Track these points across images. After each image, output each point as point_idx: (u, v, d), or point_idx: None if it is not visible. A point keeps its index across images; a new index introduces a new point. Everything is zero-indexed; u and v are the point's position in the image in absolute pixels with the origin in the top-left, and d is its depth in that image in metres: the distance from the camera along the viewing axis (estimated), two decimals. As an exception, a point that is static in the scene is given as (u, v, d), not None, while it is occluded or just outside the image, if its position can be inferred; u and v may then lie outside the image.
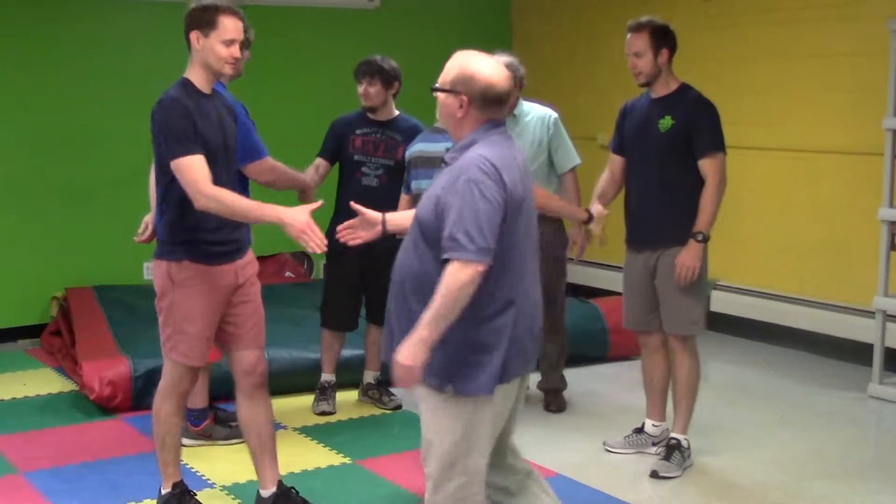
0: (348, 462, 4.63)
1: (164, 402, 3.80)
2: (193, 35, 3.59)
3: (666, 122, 4.39)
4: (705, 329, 4.54)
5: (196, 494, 3.96)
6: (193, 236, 3.63)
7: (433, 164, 4.31)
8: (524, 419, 5.10)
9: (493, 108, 2.89)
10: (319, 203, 3.59)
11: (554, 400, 5.44)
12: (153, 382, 5.17)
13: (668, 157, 4.40)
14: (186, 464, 4.34)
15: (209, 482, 4.36)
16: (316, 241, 3.34)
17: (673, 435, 4.56)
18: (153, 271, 3.78)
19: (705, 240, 4.34)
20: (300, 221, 3.35)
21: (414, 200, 4.39)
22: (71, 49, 6.89)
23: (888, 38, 5.53)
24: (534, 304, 2.96)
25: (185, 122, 3.50)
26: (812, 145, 6.37)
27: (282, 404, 5.02)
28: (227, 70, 3.66)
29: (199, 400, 4.70)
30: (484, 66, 2.88)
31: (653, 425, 4.72)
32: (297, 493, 3.95)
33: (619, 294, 4.89)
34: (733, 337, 6.78)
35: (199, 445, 4.71)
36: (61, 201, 6.90)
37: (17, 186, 6.77)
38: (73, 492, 4.25)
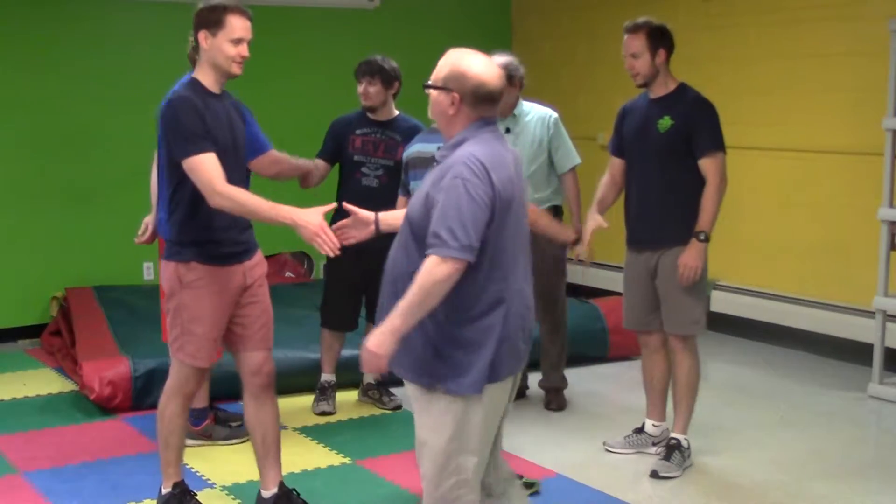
0: (348, 462, 4.63)
1: (169, 402, 3.80)
2: (201, 34, 3.58)
3: (665, 123, 4.39)
4: (706, 329, 4.54)
5: (196, 494, 3.96)
6: (202, 236, 3.63)
7: (430, 164, 4.31)
8: (524, 419, 5.13)
9: (484, 106, 2.89)
10: (333, 205, 3.57)
11: (554, 399, 5.45)
12: (153, 382, 5.21)
13: (668, 158, 4.40)
14: (186, 464, 4.33)
15: (209, 482, 4.36)
16: (330, 245, 3.33)
17: (673, 435, 4.56)
18: (161, 272, 3.77)
19: (707, 239, 4.34)
20: (314, 224, 3.33)
21: (412, 201, 4.38)
22: (71, 49, 6.89)
23: (888, 38, 5.53)
24: (525, 303, 2.96)
25: (195, 119, 3.50)
26: (812, 145, 6.37)
27: (282, 404, 4.97)
28: (236, 70, 3.63)
29: (199, 400, 4.69)
30: (476, 64, 2.88)
31: (653, 425, 4.72)
32: (298, 494, 3.95)
33: (619, 294, 4.89)
34: (733, 337, 6.78)
35: (199, 445, 4.72)
36: (61, 201, 6.90)
37: (17, 186, 6.78)
38: (73, 492, 4.25)
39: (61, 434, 4.96)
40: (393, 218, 3.27)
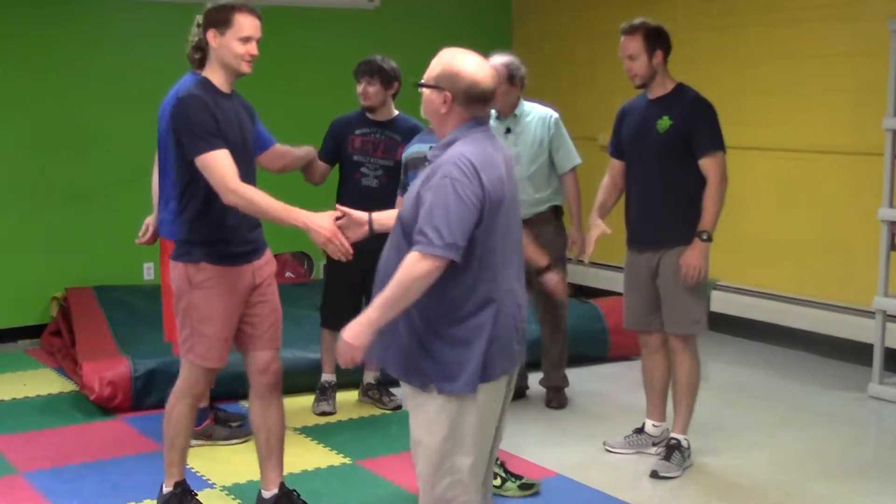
0: (348, 462, 4.63)
1: (177, 402, 3.79)
2: (210, 34, 3.58)
3: (664, 123, 4.39)
4: (707, 329, 4.54)
5: (197, 494, 3.96)
6: (213, 236, 3.62)
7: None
8: (524, 419, 5.14)
9: (476, 105, 2.89)
10: (339, 213, 3.56)
11: (555, 397, 5.46)
12: (153, 383, 5.22)
13: (668, 158, 4.40)
14: (186, 464, 4.33)
15: (209, 482, 4.36)
16: (342, 251, 3.35)
17: (673, 435, 4.56)
18: (169, 272, 3.75)
19: (710, 239, 4.34)
20: (327, 229, 3.34)
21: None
22: (71, 49, 6.89)
23: (888, 38, 5.53)
24: (517, 302, 2.95)
25: (207, 116, 3.49)
26: (812, 145, 6.37)
27: (282, 404, 5.02)
28: (245, 68, 3.61)
29: (200, 399, 4.69)
30: (469, 64, 2.88)
31: (653, 425, 4.72)
32: (299, 495, 3.94)
33: (619, 294, 4.89)
34: (733, 337, 6.78)
35: (199, 445, 4.71)
36: (61, 201, 6.90)
37: (17, 186, 6.78)
38: (73, 492, 4.25)
39: (61, 434, 4.96)
40: (387, 218, 3.28)
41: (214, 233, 3.62)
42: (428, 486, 2.92)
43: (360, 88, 5.08)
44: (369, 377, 5.43)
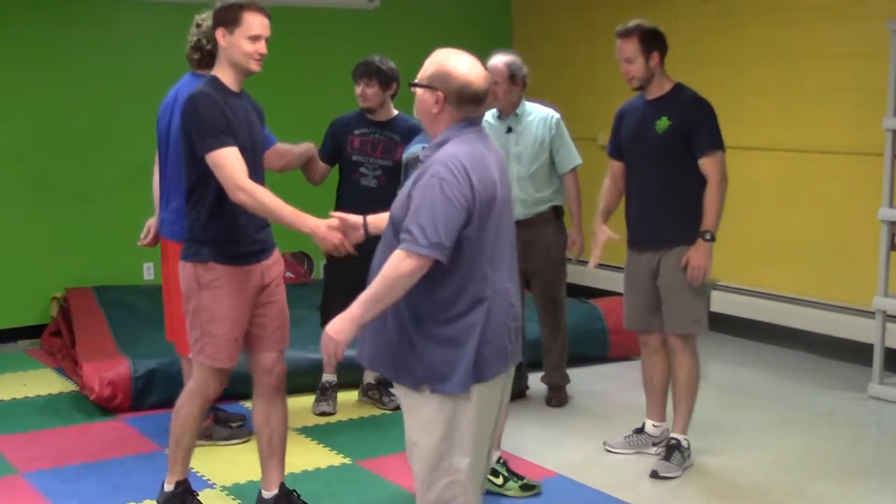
0: (348, 462, 4.63)
1: (188, 402, 3.78)
2: (219, 33, 3.58)
3: (663, 124, 4.39)
4: (708, 329, 4.54)
5: (198, 494, 3.95)
6: (223, 235, 3.61)
7: None
8: (524, 419, 5.14)
9: (468, 106, 2.89)
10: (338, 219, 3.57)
11: (555, 395, 5.47)
12: (153, 383, 5.22)
13: (667, 158, 4.40)
14: (190, 465, 4.33)
15: (209, 482, 4.36)
16: (347, 255, 3.44)
17: (673, 435, 4.56)
18: (179, 273, 3.74)
19: (713, 239, 4.34)
20: (335, 237, 3.41)
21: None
22: (71, 49, 6.89)
23: (888, 38, 5.53)
24: (510, 302, 2.95)
25: (217, 114, 3.49)
26: (812, 145, 6.37)
27: (282, 404, 5.02)
28: (254, 67, 3.61)
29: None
30: (461, 64, 2.88)
31: (653, 425, 4.72)
32: (299, 496, 3.94)
33: (619, 294, 4.89)
34: (733, 337, 6.78)
35: (199, 445, 4.68)
36: (61, 201, 6.90)
37: (17, 186, 6.78)
38: (73, 492, 4.25)
39: (61, 434, 4.96)
40: (381, 220, 3.29)
41: (223, 232, 3.61)
42: (425, 488, 2.92)
43: (358, 90, 5.08)
44: (369, 377, 5.43)
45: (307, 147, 4.79)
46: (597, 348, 6.22)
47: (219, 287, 3.62)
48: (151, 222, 4.72)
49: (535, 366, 5.48)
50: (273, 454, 3.86)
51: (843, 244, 6.22)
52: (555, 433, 5.05)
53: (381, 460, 4.62)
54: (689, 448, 4.55)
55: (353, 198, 5.08)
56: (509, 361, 2.99)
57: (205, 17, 4.44)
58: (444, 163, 2.78)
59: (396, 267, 2.74)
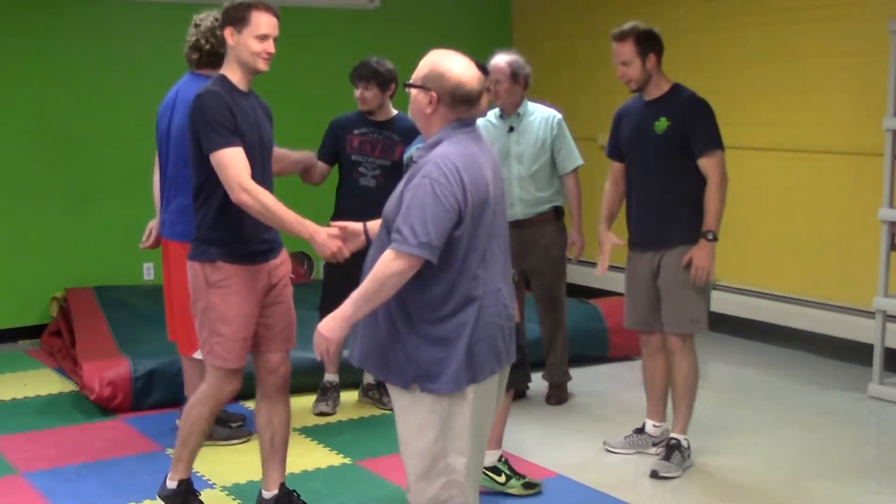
0: (348, 462, 4.63)
1: (199, 403, 3.77)
2: (227, 32, 3.58)
3: (662, 124, 4.39)
4: (708, 329, 4.54)
5: (200, 494, 3.95)
6: (232, 234, 3.61)
7: None
8: (524, 419, 5.14)
9: (461, 107, 2.90)
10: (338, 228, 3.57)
11: (555, 394, 5.48)
12: (153, 383, 5.22)
13: (667, 158, 4.40)
14: (193, 467, 4.33)
15: (209, 482, 4.36)
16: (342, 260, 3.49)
17: (673, 435, 4.56)
18: (188, 274, 3.72)
19: (715, 238, 4.35)
20: (334, 243, 3.44)
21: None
22: (71, 49, 6.88)
23: (888, 38, 5.53)
24: (503, 302, 2.96)
25: (225, 113, 3.49)
26: (812, 145, 6.37)
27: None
28: (262, 66, 3.61)
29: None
30: (455, 66, 2.89)
31: (653, 426, 4.72)
32: (299, 496, 3.94)
33: (619, 295, 4.89)
34: (733, 337, 6.78)
35: (199, 445, 4.71)
36: (61, 201, 6.90)
37: (17, 187, 6.77)
38: (73, 492, 4.25)
39: (61, 434, 4.96)
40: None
41: (231, 232, 3.61)
42: (421, 487, 2.92)
43: (357, 94, 5.08)
44: (369, 377, 5.43)
45: (305, 155, 4.79)
46: (597, 348, 6.22)
47: (227, 286, 3.61)
48: (153, 224, 4.70)
49: (535, 365, 5.48)
50: (275, 454, 3.86)
51: (843, 244, 6.22)
52: (555, 433, 5.05)
53: (381, 460, 4.62)
54: (689, 448, 4.55)
55: (352, 197, 5.09)
56: (503, 361, 2.99)
57: (203, 17, 4.45)
58: (436, 163, 2.79)
59: (386, 266, 2.76)
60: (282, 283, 3.80)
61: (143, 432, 4.94)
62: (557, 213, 5.33)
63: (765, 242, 6.68)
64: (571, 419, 5.27)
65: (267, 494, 3.88)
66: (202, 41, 4.40)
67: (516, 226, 5.16)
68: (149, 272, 7.18)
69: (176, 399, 5.00)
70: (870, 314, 5.77)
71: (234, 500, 4.21)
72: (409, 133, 4.94)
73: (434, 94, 2.88)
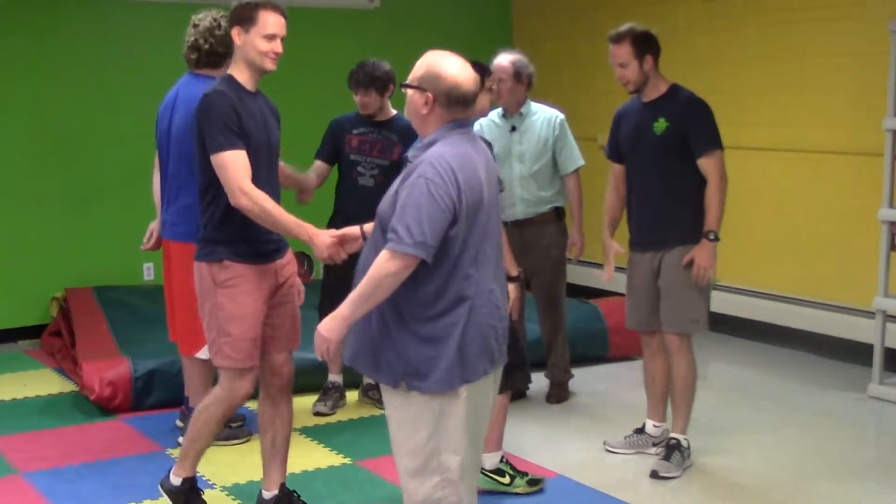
0: (348, 462, 4.63)
1: (211, 405, 3.75)
2: (235, 31, 3.58)
3: (661, 125, 4.39)
4: (707, 329, 4.54)
5: (203, 493, 3.95)
6: (239, 234, 3.59)
7: None
8: (524, 419, 5.14)
9: (457, 107, 2.91)
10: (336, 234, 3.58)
11: (555, 393, 5.49)
12: (153, 383, 5.22)
13: (666, 159, 4.40)
14: (197, 468, 4.33)
15: (210, 482, 4.36)
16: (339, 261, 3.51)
17: (672, 435, 4.56)
18: (194, 275, 3.71)
19: (717, 238, 4.35)
20: (332, 246, 3.47)
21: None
22: (71, 49, 6.88)
23: (888, 38, 5.53)
24: (495, 303, 2.96)
25: (230, 114, 3.49)
26: (812, 145, 6.37)
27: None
28: (269, 65, 3.61)
29: (200, 399, 4.68)
30: (451, 67, 2.91)
31: (654, 426, 4.72)
32: (299, 496, 3.94)
33: (619, 295, 4.89)
34: (733, 337, 6.78)
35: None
36: (61, 201, 6.90)
37: (17, 187, 6.77)
38: (73, 492, 4.25)
39: (61, 434, 4.96)
40: None
41: (238, 231, 3.59)
42: (414, 485, 2.92)
43: (356, 99, 5.08)
44: (369, 378, 5.42)
45: (303, 178, 4.78)
46: (597, 348, 6.22)
47: (235, 286, 3.61)
48: (154, 225, 4.69)
49: (535, 365, 5.47)
50: (276, 454, 3.86)
51: (843, 244, 6.22)
52: (555, 433, 5.05)
53: (381, 460, 4.62)
54: (688, 448, 4.55)
55: (350, 197, 5.09)
56: (496, 362, 3.00)
57: (202, 18, 4.45)
58: (431, 163, 2.80)
59: (382, 266, 2.77)
60: (288, 283, 3.79)
61: (143, 432, 4.94)
62: (558, 213, 5.34)
63: (765, 242, 6.68)
64: (572, 419, 5.27)
65: (267, 494, 3.88)
66: (201, 41, 4.40)
67: (517, 225, 5.18)
68: (149, 272, 7.18)
69: (176, 399, 5.00)
70: (870, 314, 5.77)
71: (234, 500, 4.21)
72: (408, 132, 4.93)
73: (430, 94, 2.89)
